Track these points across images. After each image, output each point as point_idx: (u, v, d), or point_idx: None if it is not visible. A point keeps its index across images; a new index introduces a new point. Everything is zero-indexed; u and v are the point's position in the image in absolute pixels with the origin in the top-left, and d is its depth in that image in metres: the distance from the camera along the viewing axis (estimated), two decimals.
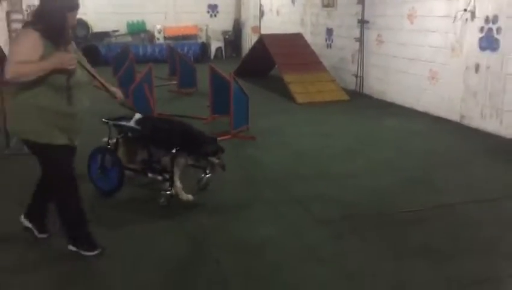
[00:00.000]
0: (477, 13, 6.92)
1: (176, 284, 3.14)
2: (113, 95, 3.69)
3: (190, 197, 4.29)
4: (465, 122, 7.27)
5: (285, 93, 9.27)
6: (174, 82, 10.15)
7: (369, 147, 6.20)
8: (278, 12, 13.96)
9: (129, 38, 15.15)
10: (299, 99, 8.96)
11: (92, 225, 3.54)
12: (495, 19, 6.61)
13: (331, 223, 3.98)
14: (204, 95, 8.21)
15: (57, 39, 3.13)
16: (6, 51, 11.17)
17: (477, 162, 5.62)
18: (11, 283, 3.14)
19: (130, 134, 4.54)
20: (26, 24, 3.15)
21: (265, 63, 11.00)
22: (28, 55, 3.00)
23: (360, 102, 9.08)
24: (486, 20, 6.76)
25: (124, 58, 9.83)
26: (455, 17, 7.27)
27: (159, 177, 4.41)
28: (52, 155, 3.23)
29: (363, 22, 9.61)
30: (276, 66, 10.52)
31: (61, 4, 3.13)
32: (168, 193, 4.26)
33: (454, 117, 7.47)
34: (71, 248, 3.43)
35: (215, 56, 15.83)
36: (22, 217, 3.66)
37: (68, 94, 3.15)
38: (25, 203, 3.67)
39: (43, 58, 3.03)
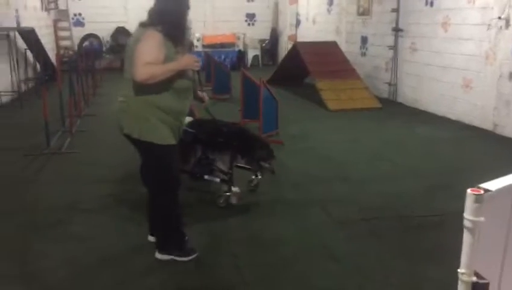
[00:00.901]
0: (511, 21, 6.85)
1: (193, 272, 3.31)
2: (201, 100, 3.71)
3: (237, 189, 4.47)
4: (498, 131, 7.17)
5: (317, 100, 9.37)
6: (210, 88, 10.42)
7: (396, 154, 6.23)
8: (314, 21, 14.09)
9: None
10: (331, 106, 9.03)
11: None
12: None
13: (349, 225, 4.07)
14: (238, 100, 8.42)
15: (178, 39, 3.14)
16: (52, 56, 11.80)
17: (505, 170, 5.54)
18: None
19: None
20: (145, 25, 3.13)
21: (299, 71, 11.12)
22: (155, 56, 2.99)
23: (393, 110, 9.07)
24: None
25: None
26: (489, 25, 7.20)
27: (217, 179, 4.47)
28: (164, 155, 3.21)
29: (397, 30, 9.62)
30: (310, 74, 10.64)
31: (180, 3, 3.16)
32: (227, 193, 4.39)
33: (487, 126, 7.37)
34: (163, 256, 3.39)
35: (252, 64, 16.09)
36: (149, 236, 3.62)
37: (187, 95, 3.28)
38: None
39: (165, 58, 3.05)
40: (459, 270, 1.42)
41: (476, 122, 7.62)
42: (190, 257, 3.41)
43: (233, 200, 4.42)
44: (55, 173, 5.47)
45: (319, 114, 8.76)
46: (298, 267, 3.38)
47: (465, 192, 4.43)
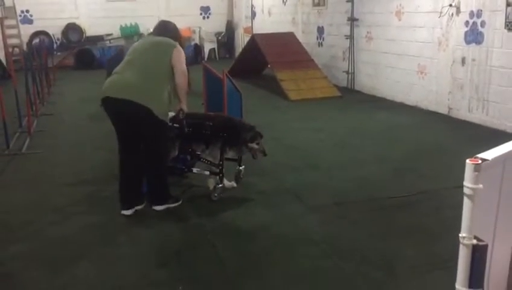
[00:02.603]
0: (462, 8, 7.13)
1: (174, 265, 3.31)
2: None
3: (234, 183, 4.64)
4: (453, 114, 7.47)
5: (278, 91, 9.46)
6: None
7: (359, 140, 6.39)
8: (269, 13, 14.16)
9: (122, 42, 15.32)
10: (292, 96, 9.14)
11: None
12: (479, 13, 6.82)
13: (322, 210, 4.16)
14: (198, 94, 8.38)
15: None
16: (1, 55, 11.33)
17: (462, 151, 5.76)
18: None
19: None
20: (166, 36, 4.24)
21: (258, 63, 11.19)
22: None
23: (351, 98, 9.28)
24: (471, 14, 6.97)
25: (117, 60, 9.92)
26: (441, 13, 7.47)
27: (206, 172, 4.47)
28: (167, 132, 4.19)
29: (352, 20, 9.81)
30: (269, 65, 10.71)
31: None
32: (220, 186, 4.38)
33: (443, 110, 7.67)
34: (160, 208, 4.12)
35: (209, 57, 16.00)
36: (124, 211, 4.04)
37: None
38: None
39: None
40: (460, 234, 1.52)
41: (432, 107, 7.91)
42: (180, 201, 4.24)
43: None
44: (18, 174, 5.31)
45: (280, 104, 8.86)
46: (278, 253, 3.44)
47: (428, 173, 4.63)
